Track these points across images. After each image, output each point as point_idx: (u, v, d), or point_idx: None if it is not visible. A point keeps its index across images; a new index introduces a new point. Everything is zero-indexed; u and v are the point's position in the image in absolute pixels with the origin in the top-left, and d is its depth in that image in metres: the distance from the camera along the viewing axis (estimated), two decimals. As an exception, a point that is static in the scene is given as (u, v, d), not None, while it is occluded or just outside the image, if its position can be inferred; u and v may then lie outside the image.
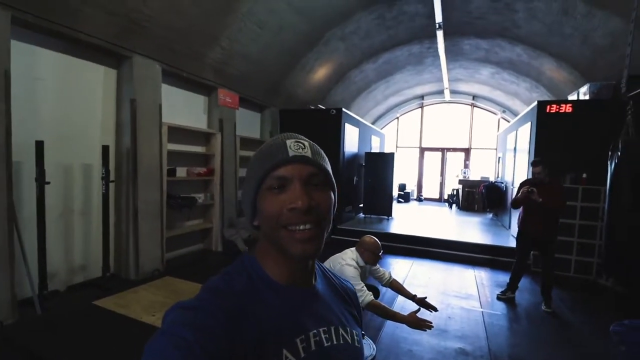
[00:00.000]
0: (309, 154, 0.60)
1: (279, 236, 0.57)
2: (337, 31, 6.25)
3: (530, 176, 3.94)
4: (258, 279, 0.60)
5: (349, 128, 7.30)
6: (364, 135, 8.57)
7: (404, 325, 3.13)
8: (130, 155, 4.01)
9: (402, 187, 11.67)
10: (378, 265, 2.64)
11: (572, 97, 6.13)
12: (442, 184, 12.38)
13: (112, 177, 3.88)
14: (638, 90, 4.29)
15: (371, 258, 2.48)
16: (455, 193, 10.96)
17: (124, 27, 3.70)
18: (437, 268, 5.19)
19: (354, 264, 2.39)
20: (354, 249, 2.53)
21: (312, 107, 7.22)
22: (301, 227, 0.56)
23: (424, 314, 2.19)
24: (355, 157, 7.83)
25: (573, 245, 4.97)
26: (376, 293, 2.63)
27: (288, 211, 0.56)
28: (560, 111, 5.34)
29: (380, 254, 2.52)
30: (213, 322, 0.49)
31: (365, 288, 2.28)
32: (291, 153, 0.58)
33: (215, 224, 5.38)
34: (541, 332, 3.26)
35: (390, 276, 2.65)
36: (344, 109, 6.90)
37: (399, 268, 5.10)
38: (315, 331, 0.60)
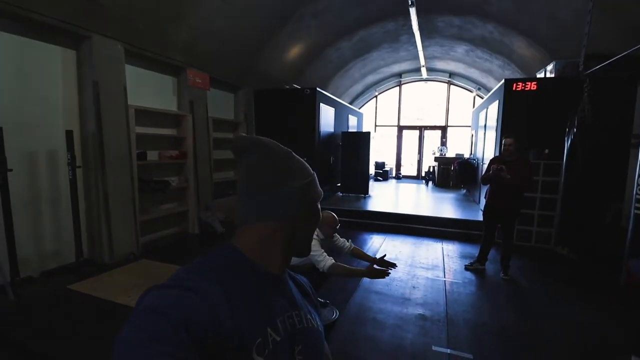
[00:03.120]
0: None
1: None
2: (310, 7, 6.13)
3: (500, 151, 4.07)
4: (241, 264, 0.63)
5: (325, 108, 7.31)
6: (341, 114, 8.60)
7: (371, 296, 3.36)
8: (96, 140, 3.94)
9: (380, 165, 11.86)
10: (337, 237, 2.80)
11: (540, 74, 6.31)
12: (419, 162, 12.66)
13: (78, 163, 3.82)
14: (594, 68, 4.47)
15: (329, 231, 2.65)
16: (431, 170, 11.25)
17: (80, 5, 3.54)
18: (408, 242, 5.44)
19: (315, 235, 2.53)
20: None
21: (287, 87, 7.15)
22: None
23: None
24: (331, 136, 7.89)
25: (534, 217, 5.29)
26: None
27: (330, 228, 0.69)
28: (526, 89, 5.51)
29: (337, 227, 2.68)
30: (198, 301, 0.49)
31: (325, 254, 2.45)
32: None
33: (190, 207, 5.41)
34: (496, 298, 3.53)
35: (351, 245, 2.82)
36: (318, 89, 6.87)
37: (372, 244, 5.31)
38: (289, 313, 0.66)
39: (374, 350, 2.55)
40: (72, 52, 3.87)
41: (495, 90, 6.33)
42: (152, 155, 4.82)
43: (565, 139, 4.72)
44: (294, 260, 2.57)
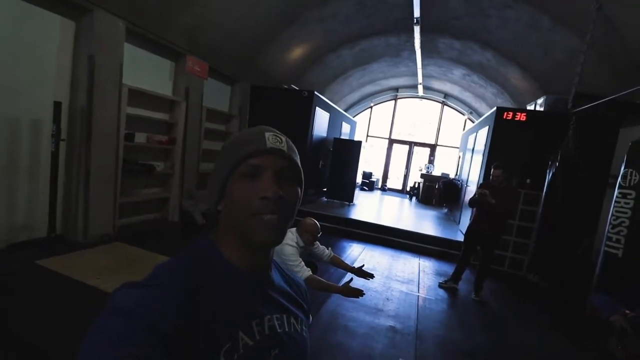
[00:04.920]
0: (285, 148, 0.63)
1: (245, 223, 0.59)
2: (316, 12, 6.18)
3: (489, 178, 4.21)
4: (216, 262, 0.61)
5: (320, 112, 7.34)
6: (335, 120, 8.65)
7: (344, 303, 3.37)
8: (85, 115, 3.84)
9: (368, 175, 11.97)
10: (317, 244, 2.79)
11: (530, 106, 6.53)
12: (406, 177, 12.84)
13: (63, 136, 3.71)
14: (581, 108, 4.66)
15: (310, 239, 2.63)
16: (417, 186, 11.43)
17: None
18: (386, 254, 5.49)
19: (294, 243, 2.53)
20: (294, 229, 2.66)
21: (285, 87, 7.16)
22: (268, 216, 0.58)
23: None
24: (323, 141, 7.93)
25: (510, 243, 5.44)
26: (314, 269, 2.80)
27: (259, 200, 0.58)
28: (516, 119, 5.70)
29: (318, 235, 2.67)
30: (166, 300, 0.49)
31: (303, 264, 2.43)
32: (268, 145, 0.61)
33: (173, 194, 5.32)
34: (466, 317, 3.61)
35: (331, 253, 2.83)
36: (316, 93, 6.91)
37: (351, 252, 5.34)
38: (269, 316, 0.62)
39: (342, 358, 2.56)
40: (71, 22, 3.77)
41: (487, 116, 6.51)
42: (140, 138, 4.73)
43: (547, 171, 4.90)
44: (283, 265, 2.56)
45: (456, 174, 10.05)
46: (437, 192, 10.14)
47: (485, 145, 6.09)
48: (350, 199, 8.05)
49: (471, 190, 6.57)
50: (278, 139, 0.64)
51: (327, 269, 3.91)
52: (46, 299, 2.70)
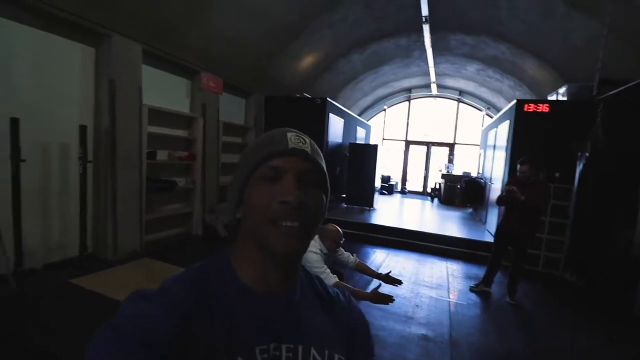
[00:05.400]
0: (308, 149, 0.58)
1: (263, 230, 0.54)
2: (325, 18, 6.21)
3: (516, 173, 4.04)
4: (227, 280, 0.57)
5: (334, 118, 7.34)
6: (349, 126, 8.63)
7: (372, 311, 3.29)
8: (109, 137, 3.97)
9: (386, 179, 11.83)
10: (342, 250, 2.75)
11: (552, 97, 6.29)
12: (426, 178, 12.61)
13: (90, 158, 3.84)
14: (608, 94, 4.45)
15: (333, 245, 2.59)
16: (438, 187, 11.19)
17: (104, 4, 3.61)
18: (411, 259, 5.36)
19: (317, 250, 2.50)
20: (316, 237, 2.63)
21: (298, 95, 7.20)
22: (289, 223, 0.53)
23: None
24: (339, 147, 7.90)
25: (542, 242, 5.20)
26: (340, 277, 2.75)
27: (278, 204, 0.53)
28: (538, 110, 5.49)
29: (341, 241, 2.63)
30: (165, 318, 0.47)
31: (328, 271, 2.40)
32: (291, 145, 0.57)
33: (195, 209, 5.40)
34: (502, 322, 3.45)
35: (356, 259, 2.77)
36: (328, 99, 6.91)
37: (375, 258, 5.25)
38: (275, 345, 0.54)
39: (375, 368, 2.48)
40: (91, 49, 3.93)
41: (507, 110, 6.32)
42: (162, 155, 4.84)
43: (577, 162, 4.68)
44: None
45: (478, 172, 9.78)
46: (459, 192, 9.88)
47: (508, 140, 5.90)
48: (370, 203, 7.95)
49: (496, 187, 6.35)
50: (301, 139, 0.59)
51: (352, 275, 3.85)
52: (78, 317, 2.77)
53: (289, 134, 0.59)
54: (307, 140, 0.61)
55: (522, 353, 2.84)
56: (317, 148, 0.62)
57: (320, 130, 6.82)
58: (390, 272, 2.51)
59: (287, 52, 6.56)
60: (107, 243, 4.08)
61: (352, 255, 2.83)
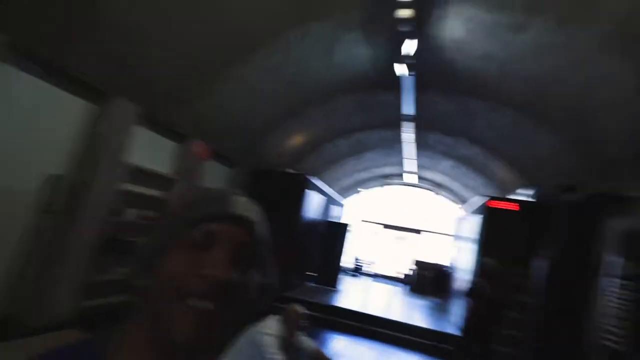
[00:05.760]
0: (256, 220, 0.49)
1: (167, 307, 0.42)
2: (321, 106, 6.72)
3: (480, 266, 4.13)
4: None
5: (313, 195, 7.41)
6: (326, 204, 8.72)
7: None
8: (80, 190, 3.75)
9: (358, 260, 11.57)
10: (303, 336, 2.47)
11: (519, 197, 6.73)
12: (397, 264, 12.44)
13: (50, 208, 3.55)
14: (571, 199, 4.76)
15: (294, 330, 2.34)
16: (409, 274, 10.98)
17: (108, 63, 3.76)
18: (374, 350, 4.93)
19: (275, 334, 2.23)
20: (277, 317, 2.39)
21: (282, 171, 7.34)
22: (203, 304, 0.41)
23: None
24: (313, 224, 7.83)
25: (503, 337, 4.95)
26: None
27: (198, 278, 0.42)
28: (507, 208, 5.79)
29: (304, 325, 2.38)
30: None
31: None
32: (237, 211, 0.47)
33: (156, 277, 4.91)
34: None
35: (317, 349, 2.47)
36: (309, 177, 7.08)
37: (335, 345, 4.78)
38: None
39: None
40: (81, 101, 3.94)
41: (479, 205, 6.62)
42: (130, 214, 4.56)
43: (538, 260, 4.75)
44: None
45: (450, 262, 9.77)
46: (430, 281, 9.71)
47: (479, 232, 6.05)
48: (334, 284, 7.60)
49: (463, 278, 6.31)
50: (247, 205, 0.49)
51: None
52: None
53: (234, 196, 0.49)
54: (255, 207, 0.51)
55: None
56: (264, 219, 0.52)
57: (298, 205, 6.83)
58: None
59: (280, 130, 6.90)
60: (31, 306, 3.51)
61: (313, 343, 2.54)
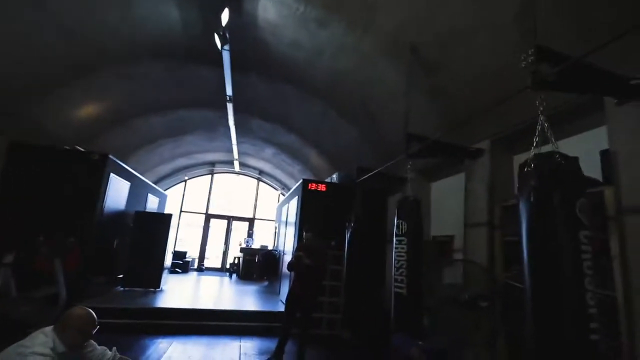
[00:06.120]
0: None
1: None
2: (122, 69, 5.54)
3: (303, 241, 4.43)
4: None
5: (117, 180, 6.16)
6: (138, 192, 7.48)
7: None
8: None
9: (181, 255, 10.63)
10: (93, 345, 1.95)
11: (328, 180, 7.73)
12: (225, 253, 12.22)
13: None
14: (362, 178, 5.79)
15: (79, 338, 1.79)
16: (236, 262, 10.96)
17: None
18: (201, 344, 4.63)
19: (47, 351, 1.65)
20: (49, 329, 1.78)
21: (67, 148, 5.72)
22: None
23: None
24: (121, 215, 6.56)
25: (324, 304, 5.70)
26: None
27: None
28: (319, 189, 6.55)
29: (93, 331, 1.88)
30: None
31: None
32: None
33: None
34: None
35: (116, 354, 2.00)
36: (111, 157, 5.83)
37: (155, 350, 4.19)
38: None
39: None
40: None
41: (296, 188, 7.20)
42: None
43: (346, 232, 5.66)
44: None
45: (274, 245, 10.34)
46: (257, 266, 9.99)
47: (297, 213, 6.60)
48: (156, 284, 6.70)
49: (288, 258, 6.77)
50: None
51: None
52: None
53: None
54: None
55: None
56: None
57: (94, 192, 5.49)
58: None
59: (61, 93, 5.28)
60: None
61: (111, 350, 2.04)
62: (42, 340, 1.70)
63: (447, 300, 3.04)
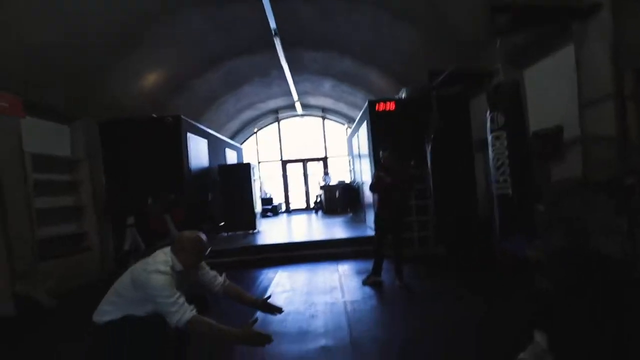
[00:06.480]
0: None
1: None
2: (162, 29, 5.50)
3: (381, 161, 4.23)
4: None
5: (194, 138, 6.54)
6: (216, 148, 7.93)
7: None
8: None
9: (268, 201, 11.41)
10: (206, 268, 2.08)
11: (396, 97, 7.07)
12: (307, 193, 12.74)
13: None
14: (437, 81, 5.07)
15: (190, 259, 1.89)
16: (319, 200, 11.37)
17: None
18: (302, 270, 4.97)
19: (167, 269, 1.77)
20: (168, 249, 1.91)
21: (142, 117, 6.12)
22: None
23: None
24: (207, 171, 7.08)
25: (413, 224, 5.55)
26: (202, 304, 2.05)
27: None
28: (387, 109, 6.03)
29: (205, 253, 1.96)
30: None
31: (182, 301, 1.68)
32: None
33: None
34: (397, 308, 3.32)
35: (225, 280, 2.12)
36: (184, 117, 6.11)
37: (265, 279, 4.63)
38: None
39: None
40: None
41: (362, 113, 6.78)
42: None
43: (425, 148, 5.20)
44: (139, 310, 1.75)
45: (351, 179, 10.34)
46: (338, 200, 10.21)
47: (368, 139, 6.27)
48: (253, 226, 7.32)
49: (367, 188, 6.69)
50: None
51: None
52: None
53: None
54: None
55: (424, 334, 2.67)
56: None
57: (177, 153, 5.91)
58: (269, 296, 2.01)
59: (121, 68, 5.54)
60: None
61: (221, 276, 2.17)
62: (163, 259, 1.83)
63: (569, 189, 2.56)
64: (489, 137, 3.04)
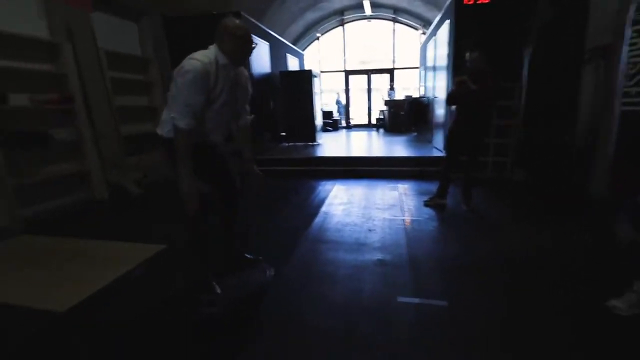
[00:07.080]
0: None
1: None
2: None
3: (466, 64, 3.47)
4: None
5: (256, 40, 6.15)
6: (278, 52, 7.49)
7: (318, 245, 2.70)
8: None
9: (329, 114, 11.08)
10: (248, 88, 2.04)
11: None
12: (369, 108, 12.06)
13: None
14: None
15: (236, 48, 1.75)
16: (382, 116, 10.72)
17: None
18: (361, 185, 4.88)
19: (205, 59, 1.70)
20: (213, 45, 1.82)
21: (205, 14, 5.83)
22: None
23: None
24: (268, 77, 6.83)
25: (489, 146, 4.94)
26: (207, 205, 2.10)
27: None
28: (478, 2, 4.89)
29: (248, 41, 1.80)
30: None
31: (187, 110, 1.69)
32: None
33: (93, 167, 4.26)
34: (461, 231, 3.09)
35: (252, 117, 2.14)
36: (245, 15, 5.69)
37: (322, 190, 4.67)
38: None
39: (323, 310, 1.92)
40: None
41: (445, 9, 5.65)
42: (19, 99, 3.55)
43: (523, 55, 4.25)
44: None
45: (420, 94, 9.37)
46: (403, 117, 9.50)
47: (449, 42, 5.32)
48: (313, 138, 7.24)
49: (440, 101, 5.94)
50: None
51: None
52: None
53: None
54: None
55: (488, 260, 2.47)
56: None
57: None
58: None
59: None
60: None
61: (250, 115, 2.16)
62: (205, 52, 1.78)
63: None
64: (628, 31, 2.26)
